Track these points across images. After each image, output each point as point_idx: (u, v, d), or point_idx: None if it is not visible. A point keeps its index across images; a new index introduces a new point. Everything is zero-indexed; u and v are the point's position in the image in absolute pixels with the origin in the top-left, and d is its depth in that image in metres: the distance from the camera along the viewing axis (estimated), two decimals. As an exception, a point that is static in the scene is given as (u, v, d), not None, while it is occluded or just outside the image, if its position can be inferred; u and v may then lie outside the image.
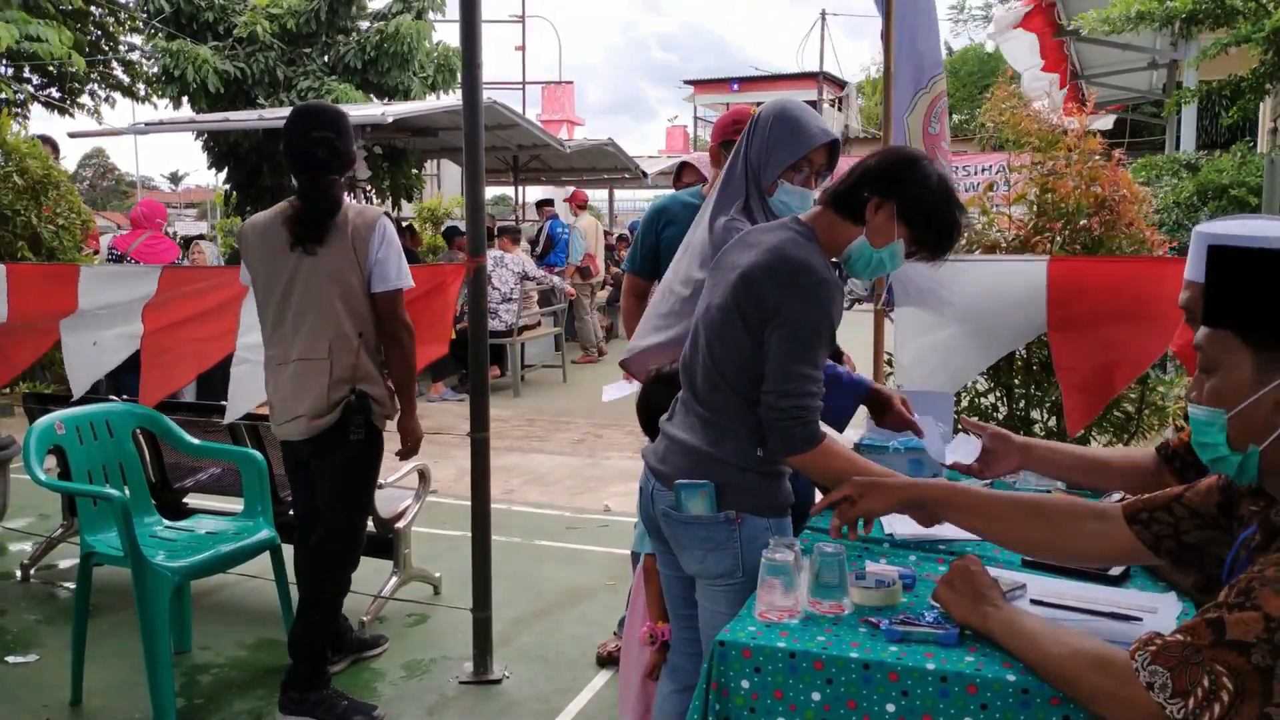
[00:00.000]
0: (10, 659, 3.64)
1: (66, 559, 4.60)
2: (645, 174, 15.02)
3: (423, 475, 4.16)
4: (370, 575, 4.01)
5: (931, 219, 2.03)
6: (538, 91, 24.42)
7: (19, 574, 4.48)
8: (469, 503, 3.49)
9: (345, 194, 3.16)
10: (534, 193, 17.17)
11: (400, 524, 3.98)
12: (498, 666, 3.53)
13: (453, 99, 13.04)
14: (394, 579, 3.99)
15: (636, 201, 26.26)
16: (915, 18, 3.75)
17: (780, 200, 2.43)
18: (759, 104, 3.30)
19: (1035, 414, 3.62)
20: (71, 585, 4.37)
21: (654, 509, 2.15)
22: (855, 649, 1.60)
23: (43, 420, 3.34)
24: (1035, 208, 3.65)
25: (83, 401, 3.89)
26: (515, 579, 4.38)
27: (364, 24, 12.76)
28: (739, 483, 2.02)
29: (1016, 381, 3.60)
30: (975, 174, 14.73)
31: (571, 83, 24.11)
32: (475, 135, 3.34)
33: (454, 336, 3.81)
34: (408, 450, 3.29)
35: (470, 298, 3.49)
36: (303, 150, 3.00)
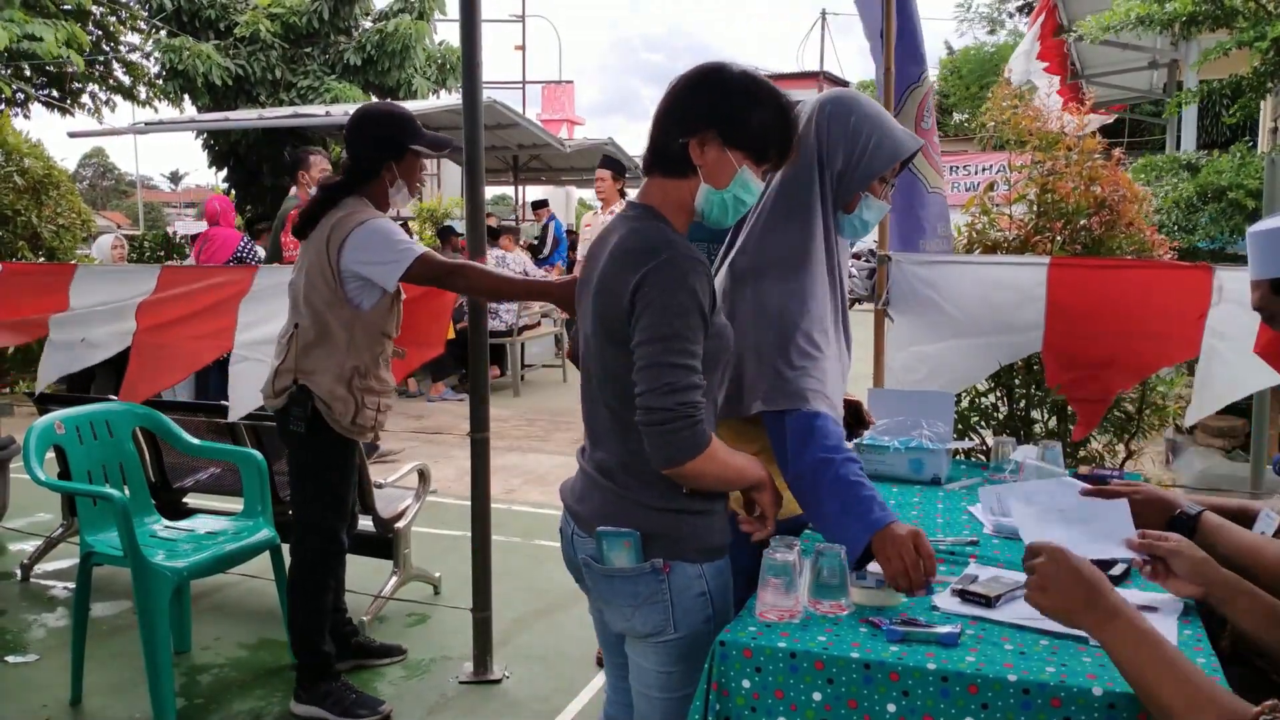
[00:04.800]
0: (10, 659, 3.63)
1: (66, 559, 4.59)
2: (645, 173, 15.01)
3: (422, 475, 4.16)
4: (370, 575, 4.01)
5: (760, 131, 1.75)
6: (537, 91, 24.42)
7: (19, 574, 4.48)
8: (469, 503, 3.49)
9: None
10: (534, 192, 17.15)
11: (400, 524, 3.97)
12: (498, 666, 3.53)
13: (452, 98, 13.04)
14: (394, 579, 3.98)
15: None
16: (901, 14, 3.74)
17: (860, 219, 2.06)
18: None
19: (1036, 414, 3.62)
20: (71, 585, 4.36)
21: (575, 555, 1.90)
22: (856, 649, 1.59)
23: (42, 420, 3.33)
24: (1035, 207, 3.65)
25: (82, 401, 3.89)
26: (515, 579, 4.38)
27: (365, 23, 12.76)
28: (665, 525, 1.76)
29: (1017, 381, 3.60)
30: (975, 174, 14.75)
31: (571, 82, 24.10)
32: (475, 134, 3.34)
33: (453, 336, 3.80)
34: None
35: (469, 300, 3.49)
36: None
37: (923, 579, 1.72)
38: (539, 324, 10.37)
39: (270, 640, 3.76)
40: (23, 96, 11.09)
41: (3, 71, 9.49)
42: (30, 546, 4.73)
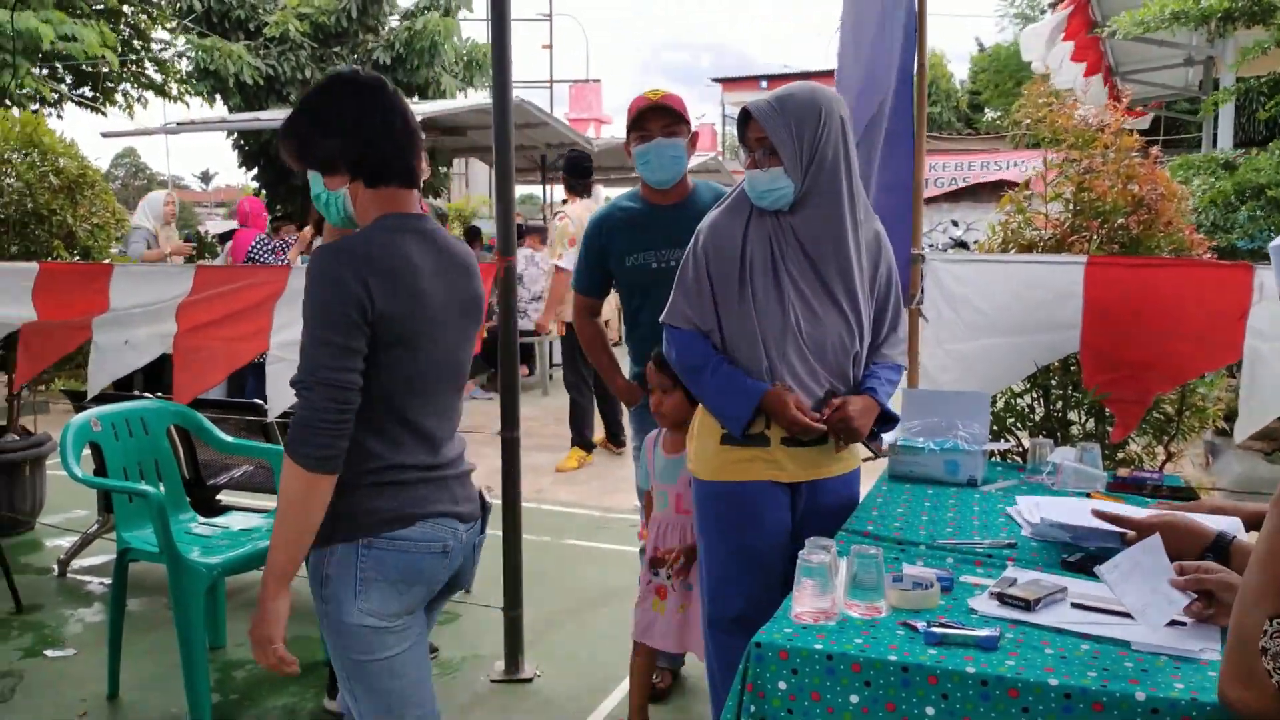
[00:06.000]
0: (48, 653, 3.68)
1: (102, 555, 4.65)
2: (673, 172, 15.00)
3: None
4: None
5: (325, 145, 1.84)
6: (563, 90, 24.48)
7: (56, 570, 4.54)
8: (498, 502, 3.49)
9: None
10: (561, 192, 17.20)
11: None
12: (529, 665, 3.53)
13: (480, 97, 13.09)
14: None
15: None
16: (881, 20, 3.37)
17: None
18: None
19: (1073, 415, 3.58)
20: (107, 581, 4.42)
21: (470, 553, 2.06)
22: (893, 651, 1.58)
23: (79, 417, 3.37)
24: (1071, 206, 3.61)
25: (117, 399, 3.93)
26: (546, 578, 4.38)
27: (393, 21, 12.83)
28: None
29: (1054, 382, 3.55)
30: (1007, 169, 14.59)
31: (599, 81, 24.15)
32: (505, 134, 3.34)
33: (483, 335, 3.81)
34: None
35: (500, 296, 3.50)
36: None
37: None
38: (539, 333, 10.33)
39: (302, 637, 3.77)
40: (56, 96, 11.23)
41: (38, 71, 9.62)
42: (67, 542, 4.79)
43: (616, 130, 23.41)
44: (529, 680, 3.48)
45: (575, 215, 6.55)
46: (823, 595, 1.70)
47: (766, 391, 2.31)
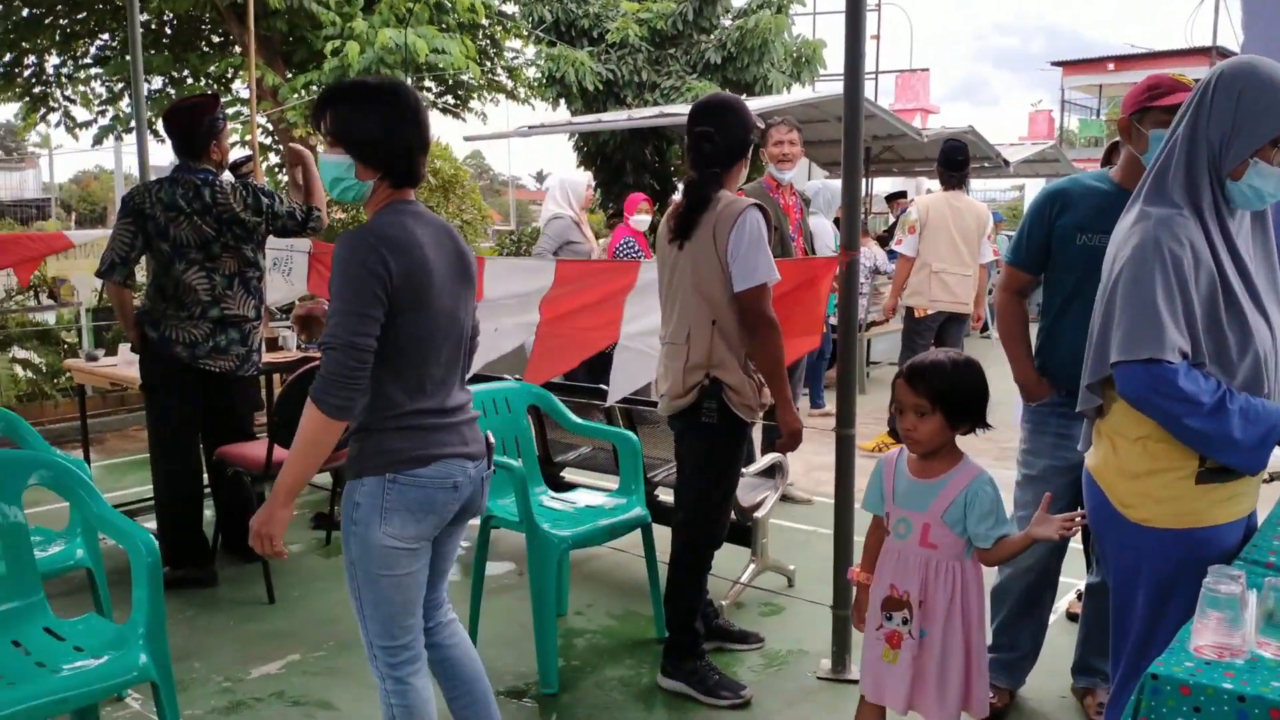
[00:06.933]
0: (418, 604, 4.11)
1: (460, 519, 5.12)
2: (1007, 162, 14.18)
3: (779, 467, 4.19)
4: (724, 561, 4.11)
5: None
6: (887, 81, 23.85)
7: (422, 529, 5.05)
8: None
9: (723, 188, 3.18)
10: (883, 185, 16.80)
11: (759, 513, 4.03)
12: (855, 666, 3.48)
13: (807, 91, 13.06)
14: (751, 567, 4.05)
15: (988, 191, 24.94)
16: None
17: (1249, 186, 2.01)
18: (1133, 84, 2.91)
19: None
20: (463, 544, 4.86)
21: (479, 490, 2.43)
22: (1323, 703, 1.39)
23: (454, 394, 3.73)
24: None
25: (480, 380, 4.30)
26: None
27: (725, 21, 13.10)
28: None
29: None
30: None
31: (927, 70, 23.30)
32: (855, 126, 3.29)
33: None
34: (785, 443, 3.27)
35: (841, 291, 3.46)
36: (691, 145, 3.12)
37: None
38: (887, 320, 10.12)
39: (636, 613, 3.96)
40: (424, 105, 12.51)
41: (409, 82, 10.74)
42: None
43: (945, 119, 22.53)
44: (856, 681, 3.42)
45: (923, 204, 6.38)
46: (1231, 630, 1.52)
47: None
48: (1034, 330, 3.12)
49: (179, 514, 4.22)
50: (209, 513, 4.49)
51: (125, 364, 5.10)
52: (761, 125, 3.31)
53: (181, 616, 3.87)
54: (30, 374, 7.25)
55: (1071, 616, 3.84)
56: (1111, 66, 28.32)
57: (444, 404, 2.28)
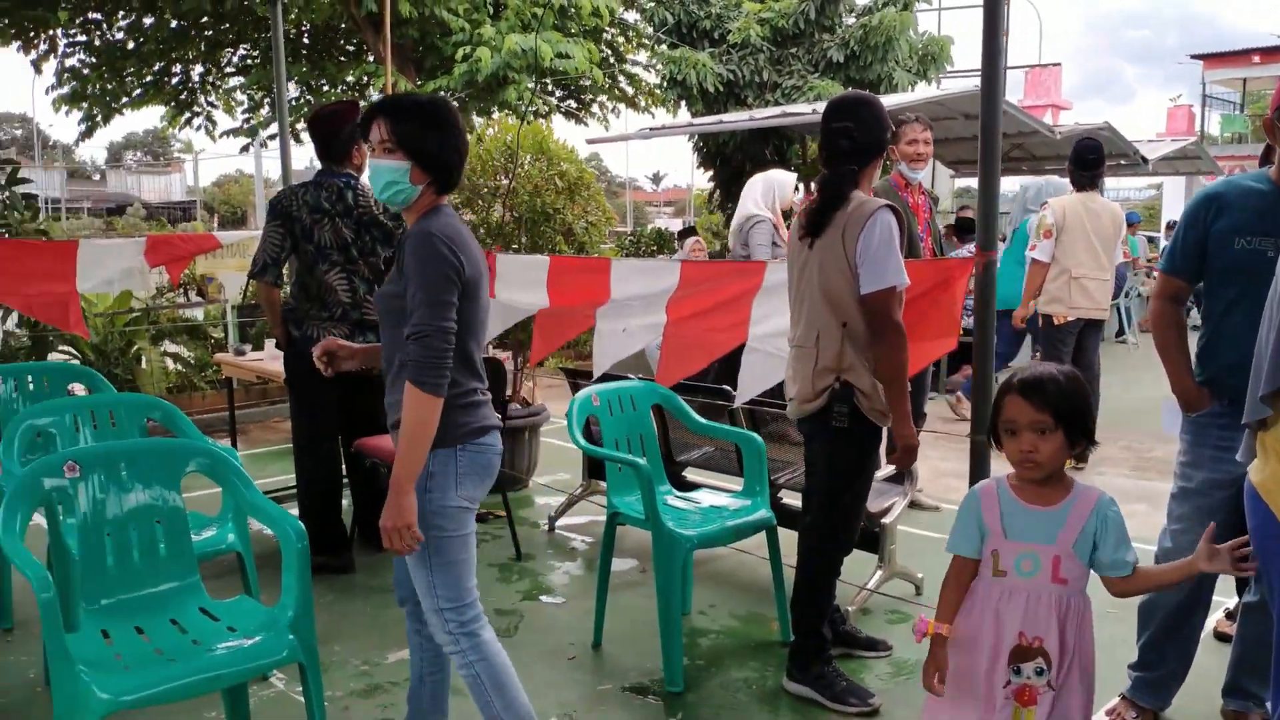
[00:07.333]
0: (543, 599, 4.18)
1: (583, 515, 5.20)
2: (1145, 160, 13.58)
3: (908, 473, 4.11)
4: (854, 567, 4.05)
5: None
6: (1015, 77, 23.09)
7: (545, 525, 5.14)
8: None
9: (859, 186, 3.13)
10: (1009, 183, 16.32)
11: (887, 519, 3.96)
12: (987, 678, 3.38)
13: (932, 89, 12.77)
14: (879, 573, 3.99)
15: (1121, 190, 23.89)
16: None
17: None
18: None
19: None
20: (587, 539, 4.93)
21: None
22: None
23: (582, 392, 3.78)
24: None
25: (605, 379, 4.35)
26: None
27: (849, 19, 12.93)
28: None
29: None
30: None
31: (1059, 65, 22.45)
32: (993, 123, 3.22)
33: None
34: (899, 458, 3.17)
35: (977, 293, 3.38)
36: (826, 141, 3.10)
37: None
38: (1017, 327, 9.79)
39: (759, 615, 3.95)
40: (547, 109, 12.73)
41: (531, 85, 10.96)
42: (554, 501, 5.42)
43: (1079, 115, 21.72)
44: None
45: (1059, 206, 6.15)
46: None
47: None
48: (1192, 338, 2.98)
49: (319, 503, 4.40)
50: (346, 502, 4.66)
51: (271, 359, 5.35)
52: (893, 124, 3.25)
53: (321, 602, 4.03)
54: (180, 367, 7.68)
55: (1220, 636, 3.65)
56: (1257, 59, 26.80)
57: (485, 383, 2.54)
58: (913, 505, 4.83)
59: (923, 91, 12.61)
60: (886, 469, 4.07)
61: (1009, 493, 2.25)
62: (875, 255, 2.97)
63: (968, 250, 9.31)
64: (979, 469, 3.36)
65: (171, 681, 2.31)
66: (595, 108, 13.36)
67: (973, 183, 22.09)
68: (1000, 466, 2.47)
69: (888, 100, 10.79)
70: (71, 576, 2.63)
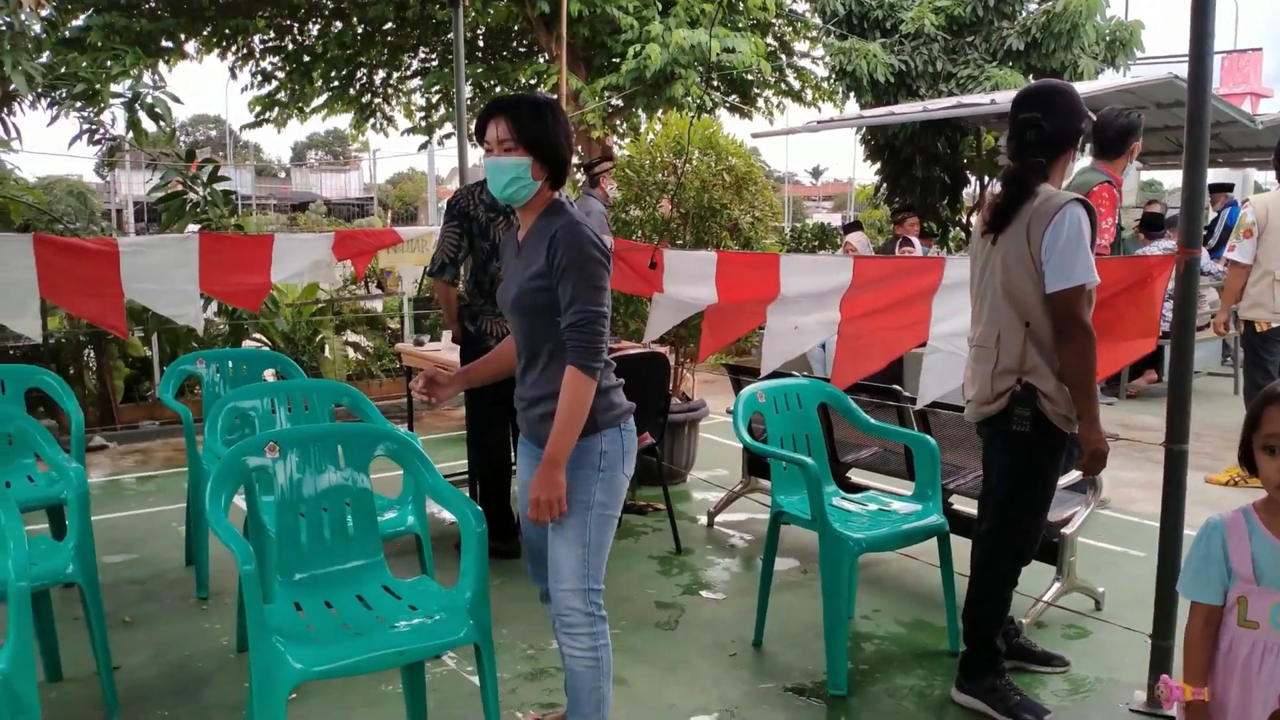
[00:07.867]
0: (703, 594, 4.19)
1: (742, 512, 5.18)
2: (1359, 152, 12.45)
3: (1093, 481, 3.90)
4: (1030, 579, 3.87)
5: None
6: (1213, 62, 21.54)
7: (705, 520, 5.14)
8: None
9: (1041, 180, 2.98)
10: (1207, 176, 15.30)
11: (1067, 530, 3.77)
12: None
13: (1121, 78, 12.07)
14: (1056, 585, 3.80)
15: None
16: None
17: None
18: None
19: None
20: (747, 536, 4.91)
21: None
22: None
23: (748, 390, 3.76)
24: None
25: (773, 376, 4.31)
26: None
27: (1031, 6, 12.36)
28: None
29: None
30: None
31: (1260, 50, 20.82)
32: (1201, 113, 3.00)
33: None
34: (1086, 464, 2.99)
35: (1178, 293, 3.16)
36: (1013, 133, 2.97)
37: None
38: (1207, 326, 9.15)
39: (926, 623, 3.83)
40: (712, 104, 12.72)
41: (699, 81, 10.97)
42: (711, 496, 5.42)
43: (1277, 104, 20.10)
44: (1173, 718, 3.13)
45: (1261, 204, 5.70)
46: None
47: None
48: None
49: (489, 488, 4.54)
50: (515, 489, 4.80)
51: (447, 350, 5.56)
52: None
53: (490, 585, 4.16)
54: (359, 355, 8.09)
55: None
56: None
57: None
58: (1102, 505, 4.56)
59: (1111, 80, 11.92)
60: (1070, 475, 3.88)
61: (1261, 528, 1.92)
62: (1063, 251, 2.82)
63: (1158, 248, 8.78)
64: (1175, 480, 3.15)
65: (359, 655, 2.43)
66: (760, 102, 13.25)
67: (1159, 175, 20.80)
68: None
69: (1084, 88, 10.25)
70: (267, 551, 2.80)
